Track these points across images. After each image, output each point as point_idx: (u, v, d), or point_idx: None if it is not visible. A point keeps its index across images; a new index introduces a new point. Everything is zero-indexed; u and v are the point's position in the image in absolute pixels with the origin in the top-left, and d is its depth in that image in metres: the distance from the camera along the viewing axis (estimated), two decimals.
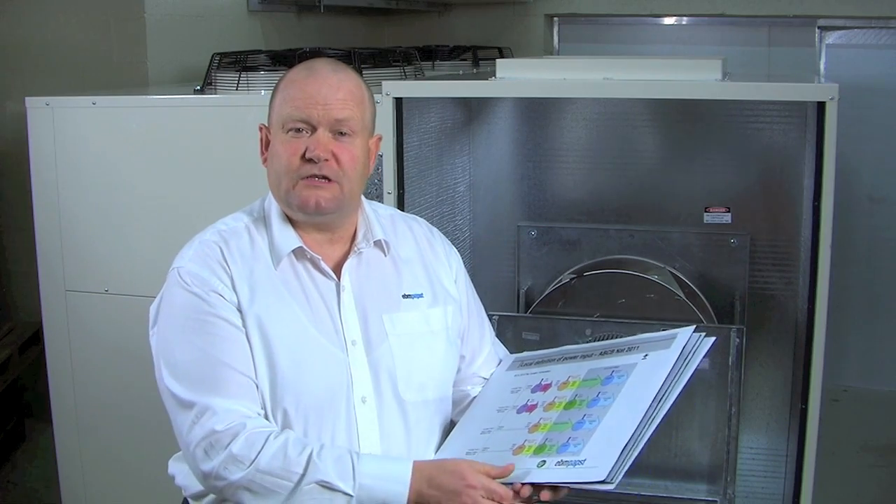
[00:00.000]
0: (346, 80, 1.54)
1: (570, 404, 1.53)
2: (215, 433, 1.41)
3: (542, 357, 1.72)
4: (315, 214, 1.52)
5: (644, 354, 1.55)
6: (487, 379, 1.74)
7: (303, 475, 1.39)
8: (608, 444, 1.40)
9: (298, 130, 1.50)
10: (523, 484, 1.42)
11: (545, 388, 1.61)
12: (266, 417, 1.48)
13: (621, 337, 1.67)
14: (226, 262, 1.51)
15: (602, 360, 1.60)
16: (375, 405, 1.53)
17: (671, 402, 1.45)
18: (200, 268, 1.50)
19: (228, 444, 1.40)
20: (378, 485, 1.41)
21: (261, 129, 1.59)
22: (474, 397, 1.70)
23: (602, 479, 1.36)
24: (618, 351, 1.60)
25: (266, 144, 1.57)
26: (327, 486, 1.40)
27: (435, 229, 1.76)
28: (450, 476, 1.41)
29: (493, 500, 1.40)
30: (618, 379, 1.52)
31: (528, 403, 1.59)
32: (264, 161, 1.58)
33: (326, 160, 1.49)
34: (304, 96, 1.50)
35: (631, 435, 1.40)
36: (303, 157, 1.49)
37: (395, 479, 1.41)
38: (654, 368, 1.50)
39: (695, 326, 1.56)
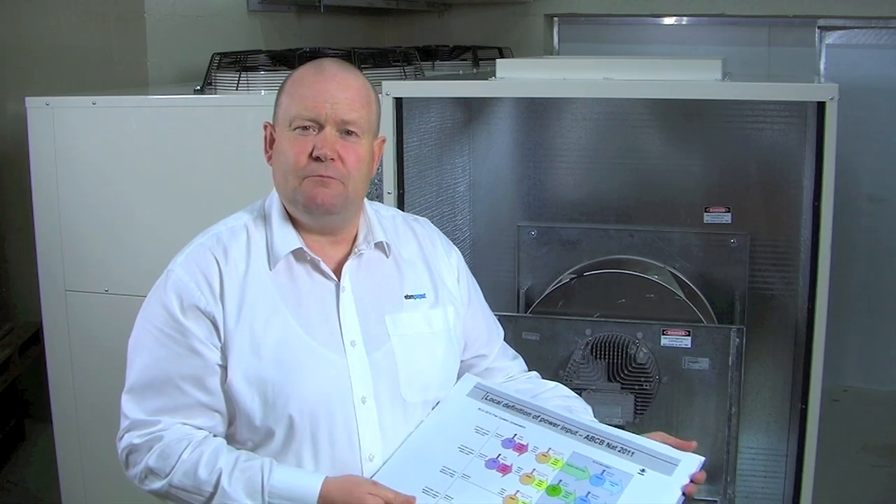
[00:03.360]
0: (353, 80, 1.54)
1: (553, 490, 1.43)
2: (133, 445, 1.49)
3: (512, 401, 1.60)
4: (320, 213, 1.52)
5: (641, 469, 1.45)
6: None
7: (212, 494, 1.42)
8: None
9: (306, 128, 1.50)
10: None
11: (519, 448, 1.50)
12: (257, 426, 1.48)
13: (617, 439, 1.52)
14: (220, 271, 1.50)
15: (589, 448, 1.49)
16: (375, 405, 1.52)
17: None
18: (188, 275, 1.50)
19: (145, 456, 1.47)
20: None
21: (265, 126, 1.58)
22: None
23: None
24: (608, 445, 1.49)
25: (271, 142, 1.57)
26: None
27: (437, 229, 1.76)
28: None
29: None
30: (610, 486, 1.42)
31: (500, 461, 1.48)
32: (268, 159, 1.57)
33: (333, 160, 1.49)
34: (313, 94, 1.50)
35: None
36: (310, 155, 1.49)
37: (303, 498, 1.42)
38: (652, 494, 1.41)
39: (701, 459, 1.47)
